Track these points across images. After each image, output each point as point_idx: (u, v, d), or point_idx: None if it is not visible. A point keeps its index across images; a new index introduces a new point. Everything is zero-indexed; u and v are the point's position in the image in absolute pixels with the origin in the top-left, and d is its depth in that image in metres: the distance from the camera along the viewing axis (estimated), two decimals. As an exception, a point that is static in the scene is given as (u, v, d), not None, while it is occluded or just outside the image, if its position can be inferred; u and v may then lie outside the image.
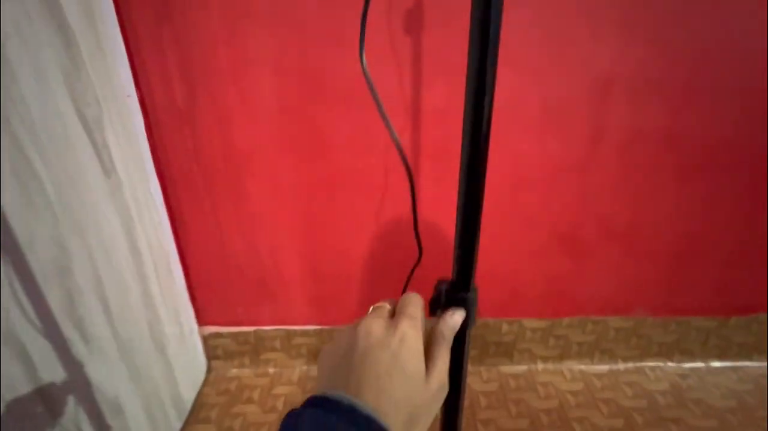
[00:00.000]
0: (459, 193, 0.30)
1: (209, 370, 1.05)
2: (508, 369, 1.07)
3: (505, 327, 1.03)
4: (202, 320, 1.02)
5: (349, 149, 0.83)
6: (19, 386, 0.50)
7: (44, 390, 0.54)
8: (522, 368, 1.07)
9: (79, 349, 0.59)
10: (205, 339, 1.04)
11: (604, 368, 1.07)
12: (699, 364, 1.07)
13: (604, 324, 1.03)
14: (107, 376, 0.65)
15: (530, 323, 1.03)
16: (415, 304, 0.28)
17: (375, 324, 0.25)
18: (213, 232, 0.91)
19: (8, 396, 0.49)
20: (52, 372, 0.55)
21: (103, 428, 0.64)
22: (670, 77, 0.78)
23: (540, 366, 1.07)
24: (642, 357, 1.07)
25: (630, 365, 1.07)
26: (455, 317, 0.30)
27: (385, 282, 0.97)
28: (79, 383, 0.60)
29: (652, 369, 1.06)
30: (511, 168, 0.85)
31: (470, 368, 1.04)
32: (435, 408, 0.26)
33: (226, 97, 0.78)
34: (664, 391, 1.00)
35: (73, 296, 0.58)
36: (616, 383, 1.03)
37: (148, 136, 0.79)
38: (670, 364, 1.07)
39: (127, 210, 0.72)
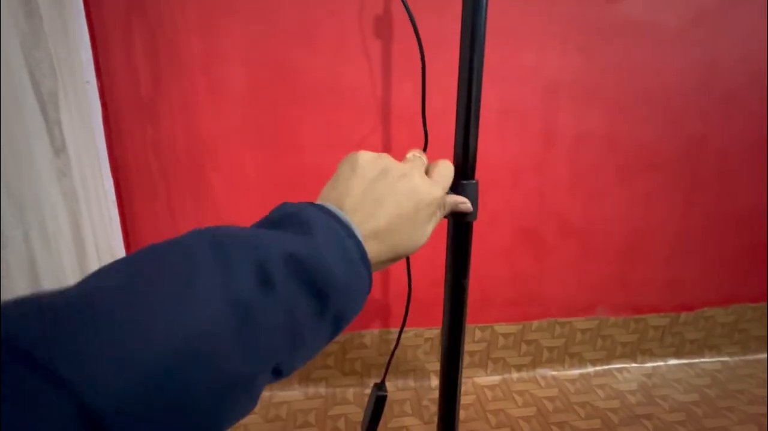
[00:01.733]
0: (459, 79, 0.32)
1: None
2: (483, 380, 1.03)
3: (478, 334, 1.02)
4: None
5: (320, 147, 0.84)
6: None
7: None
8: (497, 378, 1.04)
9: None
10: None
11: (575, 373, 1.07)
12: (659, 363, 1.11)
13: (571, 326, 1.05)
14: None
15: (501, 328, 1.02)
16: (443, 166, 0.31)
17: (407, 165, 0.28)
18: (167, 234, 0.84)
19: None
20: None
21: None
22: (602, 85, 0.89)
23: (514, 375, 1.05)
24: (609, 359, 1.09)
25: (599, 368, 1.08)
26: (459, 198, 0.33)
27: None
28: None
29: (619, 370, 1.08)
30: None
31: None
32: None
33: (194, 89, 0.77)
34: (634, 391, 1.02)
35: None
36: (588, 386, 1.03)
37: (105, 127, 0.74)
38: (634, 365, 1.10)
39: (75, 197, 0.65)
